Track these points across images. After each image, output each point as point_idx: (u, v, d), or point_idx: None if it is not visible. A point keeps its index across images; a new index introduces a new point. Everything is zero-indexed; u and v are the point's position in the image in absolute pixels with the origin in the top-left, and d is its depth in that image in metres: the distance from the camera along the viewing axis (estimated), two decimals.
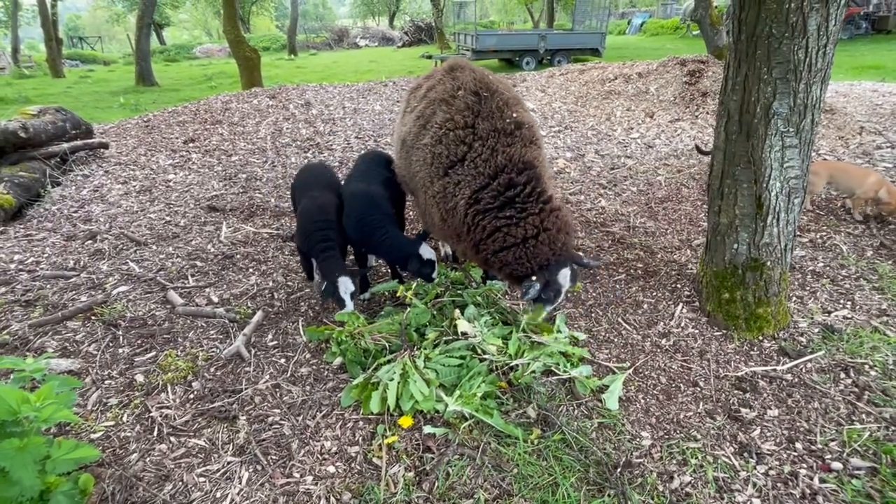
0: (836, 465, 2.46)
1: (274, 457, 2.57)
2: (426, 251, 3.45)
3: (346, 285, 3.24)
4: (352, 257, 4.44)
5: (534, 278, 2.90)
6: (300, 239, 3.58)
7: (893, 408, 2.76)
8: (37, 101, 13.38)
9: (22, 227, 5.15)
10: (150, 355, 3.31)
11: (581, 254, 3.06)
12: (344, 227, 3.69)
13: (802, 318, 3.53)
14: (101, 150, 7.46)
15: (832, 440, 2.61)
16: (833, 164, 5.24)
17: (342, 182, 4.07)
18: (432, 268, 3.48)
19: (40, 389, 2.11)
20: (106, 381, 3.08)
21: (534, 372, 2.99)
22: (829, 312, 3.59)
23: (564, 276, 2.90)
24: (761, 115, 2.98)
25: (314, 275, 3.82)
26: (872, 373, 3.02)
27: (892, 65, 14.80)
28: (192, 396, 2.96)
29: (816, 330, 3.40)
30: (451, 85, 3.35)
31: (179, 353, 3.32)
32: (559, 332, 3.34)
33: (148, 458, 2.56)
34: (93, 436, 2.68)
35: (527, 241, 2.91)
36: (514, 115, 3.17)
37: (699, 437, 2.65)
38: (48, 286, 4.06)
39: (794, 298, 3.74)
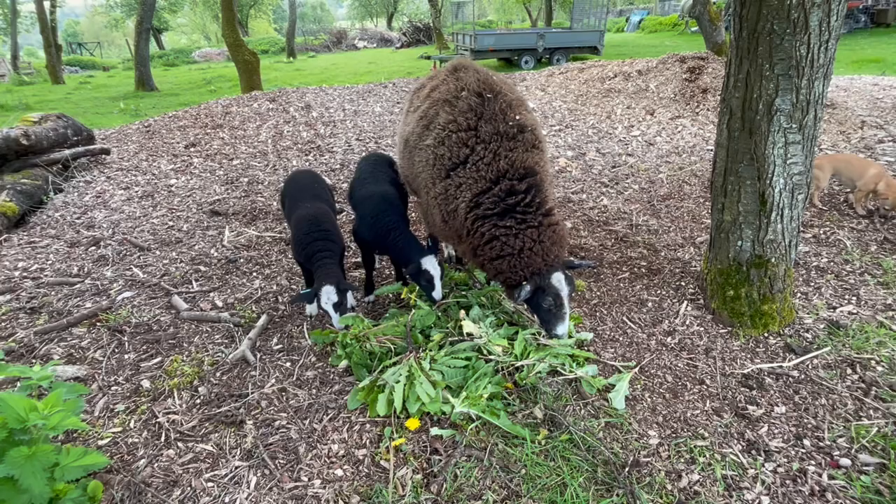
0: (845, 461, 2.45)
1: (281, 461, 2.58)
2: (429, 263, 3.28)
3: (328, 295, 3.11)
4: (356, 259, 4.45)
5: (524, 283, 2.91)
6: (296, 250, 3.52)
7: None
8: (37, 108, 13.42)
9: (25, 234, 5.17)
10: (155, 361, 3.31)
11: (572, 258, 3.05)
12: (356, 229, 3.68)
13: (807, 314, 3.52)
14: (103, 155, 7.47)
15: (840, 436, 2.60)
16: (836, 157, 5.24)
17: (348, 185, 4.06)
18: (430, 282, 3.29)
19: (48, 397, 2.12)
20: (112, 388, 3.08)
21: (539, 373, 2.99)
22: (834, 308, 3.58)
23: (559, 279, 2.91)
24: (764, 112, 2.98)
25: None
26: (879, 368, 3.01)
27: (892, 58, 14.78)
28: (198, 401, 2.97)
29: (822, 326, 3.39)
30: (455, 85, 3.34)
31: (185, 358, 3.32)
32: (570, 336, 3.32)
33: (156, 464, 2.56)
34: (100, 442, 2.69)
35: (522, 252, 2.92)
36: (518, 117, 3.16)
37: (706, 435, 2.65)
38: (53, 293, 4.07)
39: (798, 294, 3.73)
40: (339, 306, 3.16)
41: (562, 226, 3.07)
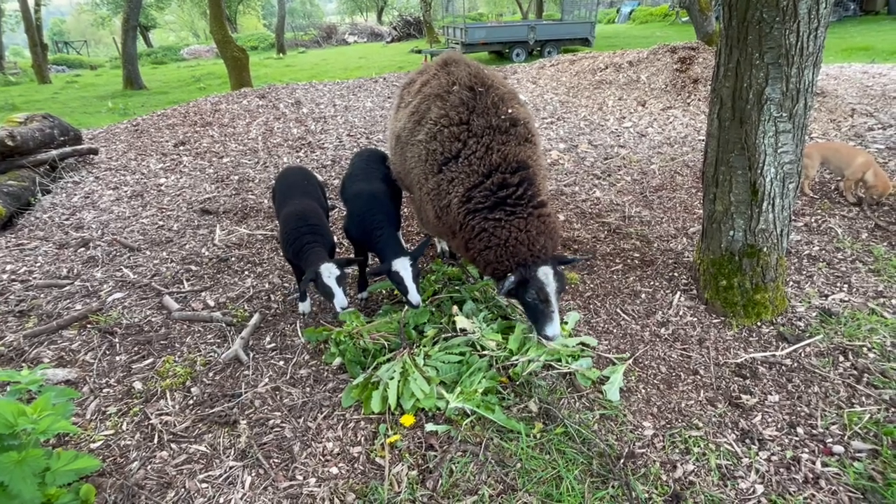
0: (838, 448, 2.47)
1: (276, 460, 2.56)
2: (400, 265, 3.15)
3: (329, 270, 3.02)
4: (348, 257, 4.42)
5: (510, 275, 2.87)
6: (284, 247, 3.46)
7: (893, 389, 2.77)
8: (23, 108, 13.25)
9: (13, 236, 5.10)
10: (147, 362, 3.28)
11: (566, 254, 3.01)
12: (346, 226, 3.66)
13: (800, 302, 3.54)
14: (91, 155, 7.39)
15: (833, 424, 2.62)
16: (825, 145, 5.25)
17: (340, 181, 4.03)
18: (400, 283, 3.15)
19: (37, 401, 2.09)
20: (104, 390, 3.05)
21: (534, 369, 2.98)
22: (826, 296, 3.59)
23: (545, 273, 2.82)
24: (754, 101, 2.97)
25: (306, 296, 3.73)
26: (871, 355, 3.03)
27: (881, 46, 14.83)
28: (191, 402, 2.95)
29: (814, 314, 3.41)
30: (446, 80, 3.31)
31: (177, 358, 3.29)
32: (568, 327, 3.30)
33: (149, 466, 2.54)
34: (92, 445, 2.66)
35: (507, 242, 2.89)
36: (510, 111, 3.13)
37: (701, 425, 2.66)
38: (42, 295, 4.02)
39: (790, 283, 3.75)
40: (342, 280, 3.08)
41: (553, 218, 3.03)
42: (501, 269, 2.93)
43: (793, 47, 2.80)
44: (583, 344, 3.24)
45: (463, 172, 3.01)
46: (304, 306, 3.71)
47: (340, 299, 3.09)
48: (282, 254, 4.55)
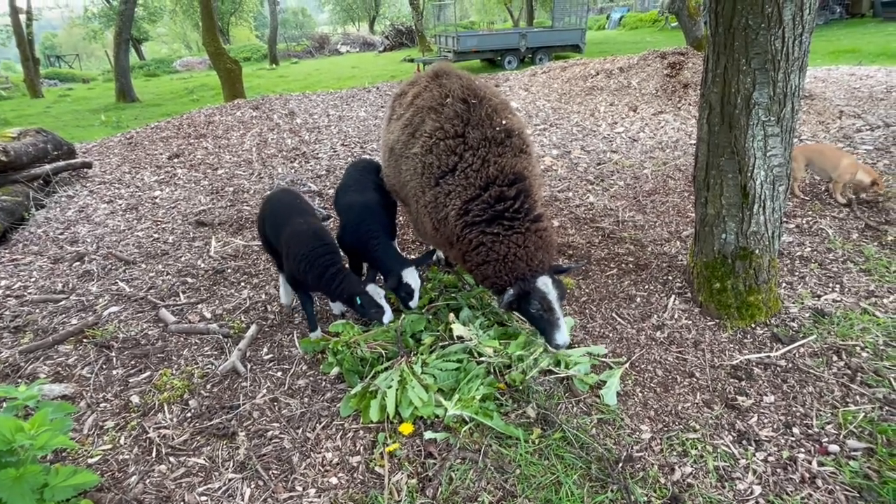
0: (834, 447, 2.49)
1: (275, 471, 2.56)
2: (409, 276, 3.30)
3: (375, 291, 3.24)
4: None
5: (509, 289, 2.88)
6: (297, 265, 3.31)
7: (886, 388, 2.80)
8: (16, 123, 13.23)
9: (7, 251, 5.09)
10: (144, 375, 3.28)
11: (562, 261, 3.03)
12: (339, 237, 3.65)
13: (793, 303, 3.57)
14: (85, 169, 7.39)
15: (828, 423, 2.64)
16: (810, 147, 5.28)
17: (335, 191, 4.01)
18: (410, 294, 3.33)
19: (34, 417, 2.08)
20: (101, 404, 3.04)
21: (532, 374, 2.99)
22: (819, 296, 3.63)
23: (545, 283, 2.85)
24: (742, 106, 3.02)
25: (316, 324, 3.60)
26: (864, 354, 3.06)
27: (867, 48, 15.03)
28: (189, 415, 2.94)
29: (807, 315, 3.44)
30: (439, 92, 3.32)
31: (174, 371, 3.29)
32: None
33: (148, 480, 2.53)
34: (90, 460, 2.65)
35: (506, 258, 2.90)
36: (504, 122, 3.15)
37: (698, 427, 2.68)
38: (37, 311, 4.01)
39: (783, 284, 3.78)
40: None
41: (550, 231, 3.05)
42: (500, 283, 2.94)
43: (778, 53, 2.85)
44: (590, 353, 3.21)
45: (460, 185, 3.02)
46: (317, 333, 3.58)
47: (388, 313, 3.24)
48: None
